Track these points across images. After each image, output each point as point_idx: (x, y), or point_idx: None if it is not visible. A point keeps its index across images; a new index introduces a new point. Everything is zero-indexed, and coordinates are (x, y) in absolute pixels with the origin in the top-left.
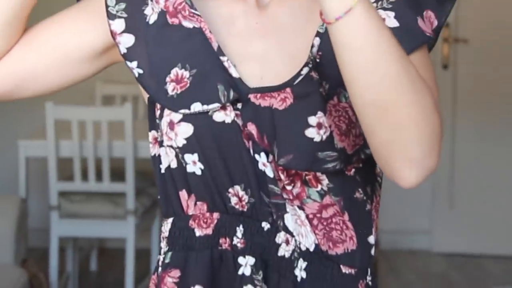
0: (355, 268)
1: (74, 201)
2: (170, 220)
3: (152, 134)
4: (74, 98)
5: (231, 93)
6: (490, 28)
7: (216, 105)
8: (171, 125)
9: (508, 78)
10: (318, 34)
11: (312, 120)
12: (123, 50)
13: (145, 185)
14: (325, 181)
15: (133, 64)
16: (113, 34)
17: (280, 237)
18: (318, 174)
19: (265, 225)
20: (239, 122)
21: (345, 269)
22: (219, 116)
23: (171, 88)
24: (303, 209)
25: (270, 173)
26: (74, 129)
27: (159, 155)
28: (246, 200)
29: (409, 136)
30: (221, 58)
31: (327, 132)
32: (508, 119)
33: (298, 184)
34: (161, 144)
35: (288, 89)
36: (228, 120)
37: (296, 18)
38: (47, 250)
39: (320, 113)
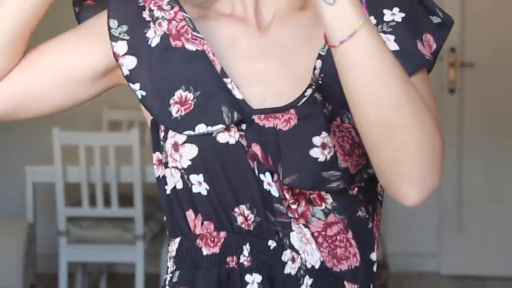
0: (358, 284)
1: (82, 226)
2: (178, 239)
3: (156, 155)
4: (81, 124)
5: (235, 115)
6: (496, 52)
7: (221, 126)
8: (176, 146)
9: None
10: (319, 56)
11: (317, 140)
12: (126, 72)
13: (153, 210)
14: (329, 199)
15: (136, 86)
16: (116, 56)
17: (286, 255)
18: (323, 193)
19: (272, 244)
20: (244, 143)
21: (348, 286)
22: (223, 138)
23: (175, 110)
24: (308, 227)
25: (275, 192)
26: (82, 154)
27: (164, 176)
28: (252, 219)
29: (411, 155)
30: (225, 80)
31: (331, 152)
32: None
33: (303, 203)
34: (166, 165)
35: (292, 110)
36: (232, 141)
37: (296, 39)
38: (56, 275)
39: (324, 133)
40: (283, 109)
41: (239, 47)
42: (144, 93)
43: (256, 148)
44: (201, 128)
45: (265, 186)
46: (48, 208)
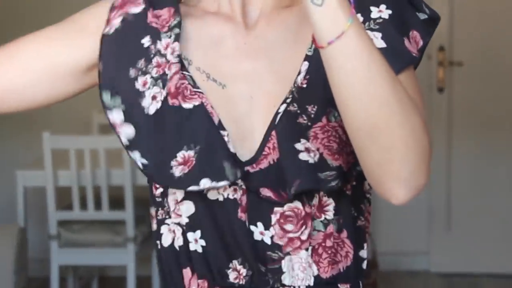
0: (350, 283)
1: (73, 230)
2: None
3: (152, 210)
4: (71, 128)
5: (238, 172)
6: (485, 51)
7: (226, 182)
8: (177, 203)
9: (503, 99)
10: (306, 57)
11: (299, 146)
12: (125, 141)
13: (144, 213)
14: (332, 205)
15: (136, 155)
16: (113, 127)
17: None
18: (322, 201)
19: None
20: (237, 196)
21: (342, 287)
22: (212, 195)
23: (179, 171)
24: (306, 249)
25: (267, 240)
26: (72, 158)
27: (159, 232)
28: (245, 274)
29: (399, 155)
30: (221, 132)
31: (316, 154)
32: (503, 141)
33: (309, 223)
34: (162, 221)
35: (273, 133)
36: (221, 198)
37: (284, 38)
38: (48, 279)
39: (303, 140)
40: (265, 142)
41: (226, 46)
42: (145, 161)
43: (266, 191)
44: (206, 183)
45: (256, 236)
46: (39, 212)
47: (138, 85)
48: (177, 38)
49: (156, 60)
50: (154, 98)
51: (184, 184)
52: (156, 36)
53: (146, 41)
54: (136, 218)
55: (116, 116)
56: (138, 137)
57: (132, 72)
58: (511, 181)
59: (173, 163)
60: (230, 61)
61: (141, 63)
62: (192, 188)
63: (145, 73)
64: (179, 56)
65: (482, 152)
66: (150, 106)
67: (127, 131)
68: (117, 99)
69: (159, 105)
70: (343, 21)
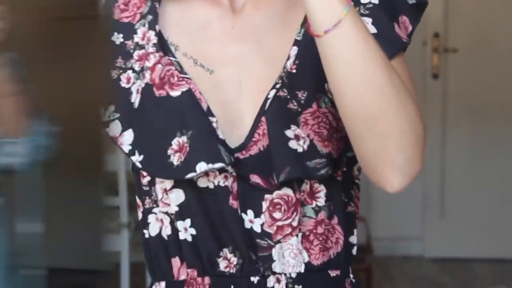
0: (340, 269)
1: None
2: (163, 284)
3: (138, 199)
4: None
5: (231, 157)
6: (480, 37)
7: (221, 165)
8: (165, 191)
9: (497, 86)
10: (295, 42)
11: (289, 133)
12: (127, 149)
13: None
14: (323, 191)
15: (136, 157)
16: (114, 140)
17: (271, 281)
18: (314, 188)
19: (255, 279)
20: (228, 184)
21: (332, 273)
22: (203, 182)
23: (177, 159)
24: (297, 235)
25: (257, 228)
26: None
27: (145, 221)
28: (235, 262)
29: (395, 143)
30: (210, 118)
31: (306, 141)
32: (497, 127)
33: (299, 209)
34: (148, 210)
35: (263, 119)
36: (211, 186)
37: (272, 23)
38: None
39: (293, 127)
40: (255, 128)
41: (212, 30)
42: (140, 158)
43: (255, 178)
44: (202, 167)
45: (246, 224)
46: None
47: (123, 83)
48: (151, 25)
49: (137, 53)
50: (138, 91)
51: (182, 172)
52: (130, 31)
53: (116, 38)
54: (130, 204)
55: (115, 128)
56: (135, 136)
57: (114, 73)
58: (504, 168)
59: (169, 151)
60: (217, 46)
61: (119, 61)
62: (190, 175)
63: (125, 69)
64: (155, 45)
65: (476, 138)
66: (136, 99)
67: (127, 138)
68: (111, 108)
69: (139, 97)
70: (340, 9)
